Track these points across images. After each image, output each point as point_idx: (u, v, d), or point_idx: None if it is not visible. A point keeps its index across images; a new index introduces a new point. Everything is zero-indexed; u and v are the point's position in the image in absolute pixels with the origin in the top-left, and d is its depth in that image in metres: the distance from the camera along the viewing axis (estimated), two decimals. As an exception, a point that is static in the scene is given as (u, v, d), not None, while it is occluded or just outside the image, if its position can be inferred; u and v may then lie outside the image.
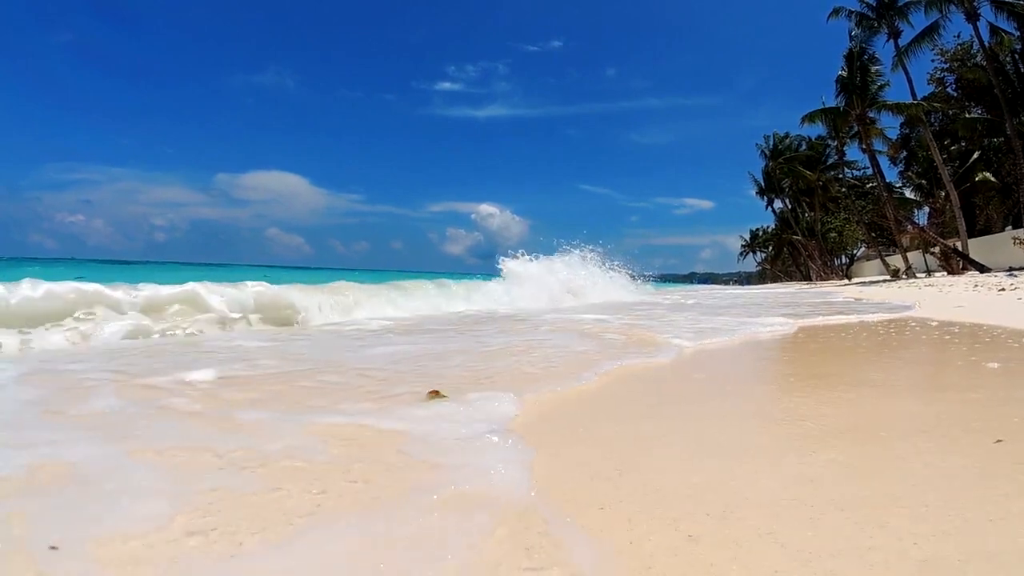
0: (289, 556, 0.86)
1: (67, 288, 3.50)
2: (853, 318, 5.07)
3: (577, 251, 12.05)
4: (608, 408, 1.88)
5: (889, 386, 2.16)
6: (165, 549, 0.87)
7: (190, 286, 4.09)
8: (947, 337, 3.58)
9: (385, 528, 0.94)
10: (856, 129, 21.96)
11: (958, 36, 23.00)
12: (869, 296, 9.82)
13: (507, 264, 10.77)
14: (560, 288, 9.89)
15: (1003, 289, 8.09)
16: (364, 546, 0.89)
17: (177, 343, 3.39)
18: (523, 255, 11.08)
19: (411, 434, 1.44)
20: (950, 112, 23.74)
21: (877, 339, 3.73)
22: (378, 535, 0.92)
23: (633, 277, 13.30)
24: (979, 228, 24.23)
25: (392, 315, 5.72)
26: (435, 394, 1.81)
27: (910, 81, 20.90)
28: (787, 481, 1.14)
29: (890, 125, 23.37)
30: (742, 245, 57.19)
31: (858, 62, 21.02)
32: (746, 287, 36.04)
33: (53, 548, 0.87)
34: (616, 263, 12.79)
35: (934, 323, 4.32)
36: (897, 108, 20.87)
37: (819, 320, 4.92)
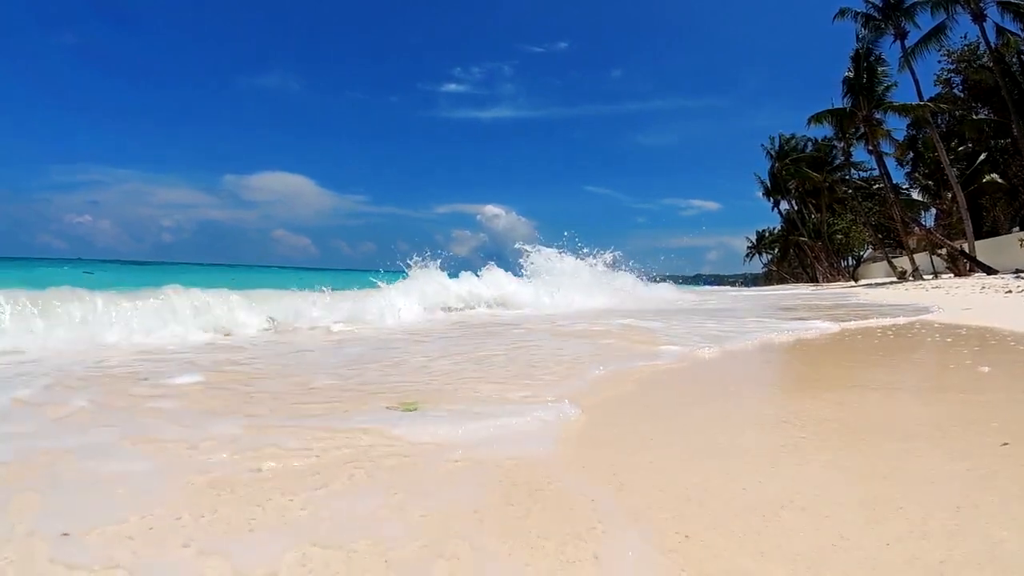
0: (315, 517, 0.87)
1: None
2: (874, 321, 4.91)
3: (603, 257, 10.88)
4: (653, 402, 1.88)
5: (896, 388, 2.15)
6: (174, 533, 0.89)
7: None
8: (957, 341, 3.56)
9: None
10: (862, 130, 21.81)
11: (964, 37, 22.79)
12: (881, 298, 9.70)
13: (534, 257, 8.80)
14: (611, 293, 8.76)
15: (1010, 291, 8.03)
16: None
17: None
18: (560, 250, 9.44)
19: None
20: (957, 113, 23.53)
21: (909, 342, 3.68)
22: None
23: (656, 279, 12.80)
24: (986, 230, 23.98)
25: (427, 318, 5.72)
26: (406, 404, 1.72)
27: (916, 82, 20.76)
28: (786, 483, 1.15)
29: (897, 126, 23.16)
30: (748, 246, 56.61)
31: (865, 63, 20.88)
32: (754, 288, 35.70)
33: (65, 535, 0.89)
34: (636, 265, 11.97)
35: (959, 327, 4.20)
36: (903, 109, 20.72)
37: (861, 323, 4.73)
